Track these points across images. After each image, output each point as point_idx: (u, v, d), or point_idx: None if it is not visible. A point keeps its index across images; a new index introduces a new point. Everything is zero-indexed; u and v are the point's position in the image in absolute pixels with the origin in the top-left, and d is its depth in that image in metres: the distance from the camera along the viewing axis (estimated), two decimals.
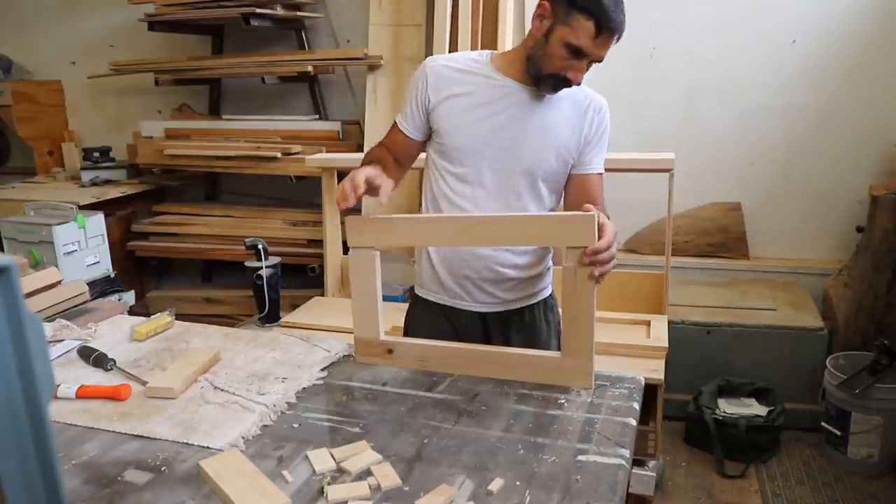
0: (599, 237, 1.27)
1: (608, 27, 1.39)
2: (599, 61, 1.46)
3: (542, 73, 1.47)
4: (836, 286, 3.07)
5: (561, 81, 1.47)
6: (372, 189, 1.36)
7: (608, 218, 1.38)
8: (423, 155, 1.69)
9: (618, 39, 1.44)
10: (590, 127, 1.57)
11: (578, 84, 1.49)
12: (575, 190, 1.60)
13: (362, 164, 1.54)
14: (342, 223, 2.82)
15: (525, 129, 1.53)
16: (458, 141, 1.56)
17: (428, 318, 1.68)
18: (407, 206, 3.30)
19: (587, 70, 1.47)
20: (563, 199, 1.64)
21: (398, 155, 1.64)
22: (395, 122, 1.64)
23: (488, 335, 1.66)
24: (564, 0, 1.40)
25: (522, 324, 1.67)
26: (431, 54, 3.20)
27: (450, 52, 3.13)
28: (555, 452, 1.11)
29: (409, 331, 1.75)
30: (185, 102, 3.96)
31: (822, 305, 3.13)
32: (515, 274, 1.61)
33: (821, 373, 2.80)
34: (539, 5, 1.45)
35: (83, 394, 1.30)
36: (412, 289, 1.77)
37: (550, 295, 1.73)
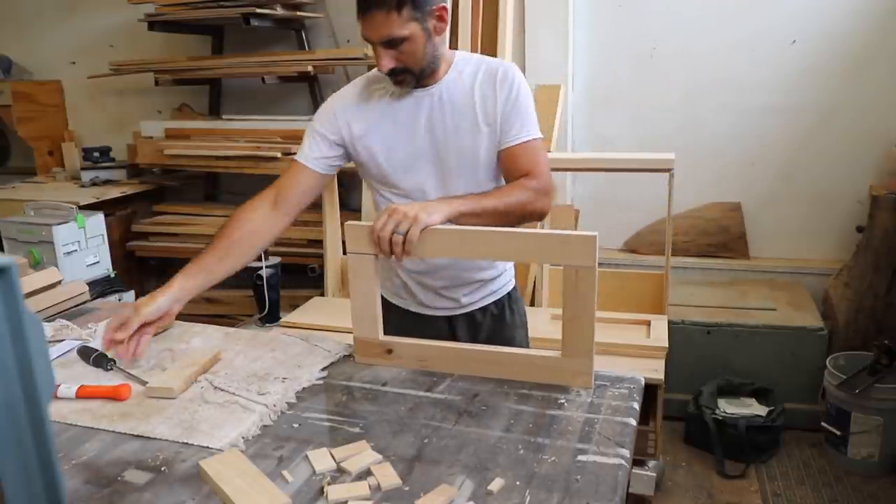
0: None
1: (360, 5, 1.39)
2: (386, 44, 1.41)
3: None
4: (836, 286, 3.07)
5: (389, 74, 1.46)
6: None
7: (552, 188, 1.45)
8: None
9: (391, 10, 1.37)
10: (503, 97, 1.50)
11: (383, 70, 1.44)
12: (506, 166, 1.53)
13: (212, 244, 1.53)
14: (342, 224, 2.81)
15: (443, 125, 1.51)
16: (389, 164, 1.55)
17: (396, 321, 1.66)
18: None
19: (390, 55, 1.43)
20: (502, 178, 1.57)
21: (296, 196, 1.61)
22: (294, 163, 1.63)
23: (455, 336, 1.69)
24: None
25: (487, 317, 1.69)
26: None
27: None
28: (555, 452, 1.11)
29: None
30: (185, 102, 3.97)
31: (822, 305, 3.12)
32: (479, 277, 1.64)
33: (821, 373, 2.80)
34: None
35: (83, 394, 1.30)
36: None
37: (514, 288, 1.74)
